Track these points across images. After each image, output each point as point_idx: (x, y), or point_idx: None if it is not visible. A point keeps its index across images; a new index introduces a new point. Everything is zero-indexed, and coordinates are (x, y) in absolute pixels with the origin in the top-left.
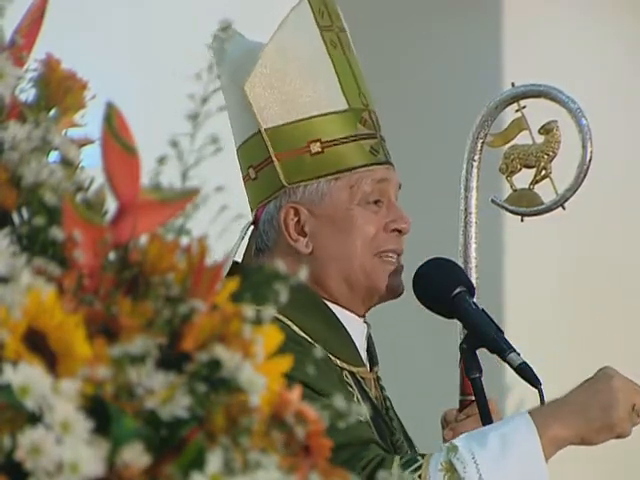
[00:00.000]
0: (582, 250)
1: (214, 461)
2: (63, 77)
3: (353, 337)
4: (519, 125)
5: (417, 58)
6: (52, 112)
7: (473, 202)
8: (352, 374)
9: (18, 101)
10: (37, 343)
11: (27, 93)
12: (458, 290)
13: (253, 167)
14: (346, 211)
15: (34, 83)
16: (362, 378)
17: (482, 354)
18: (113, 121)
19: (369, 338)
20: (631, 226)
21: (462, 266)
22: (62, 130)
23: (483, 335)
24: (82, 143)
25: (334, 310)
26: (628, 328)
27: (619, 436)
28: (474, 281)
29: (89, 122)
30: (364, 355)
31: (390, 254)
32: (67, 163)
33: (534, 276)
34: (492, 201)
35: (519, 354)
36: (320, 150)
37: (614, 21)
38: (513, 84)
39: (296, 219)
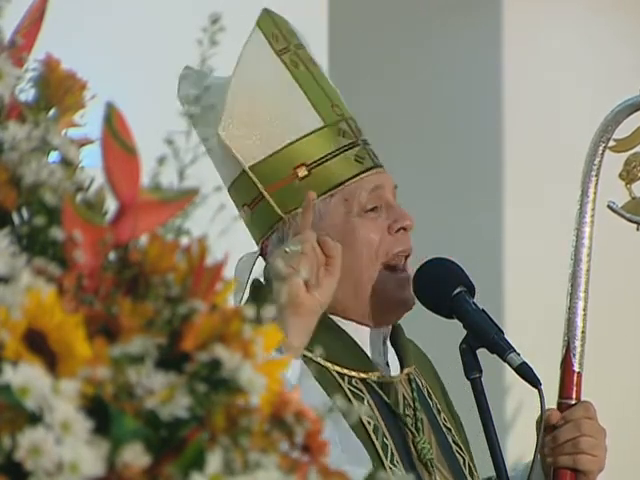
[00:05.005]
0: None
1: (214, 461)
2: (63, 77)
3: (360, 344)
4: None
5: (417, 58)
6: (52, 112)
7: (589, 206)
8: (363, 380)
9: (18, 101)
10: (37, 343)
11: (27, 93)
12: (458, 290)
13: (247, 205)
14: (345, 224)
15: (34, 83)
16: (377, 382)
17: (482, 354)
18: (113, 121)
19: (399, 340)
20: None
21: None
22: (62, 130)
23: (483, 335)
24: (82, 143)
25: (334, 319)
26: (633, 328)
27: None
28: (584, 281)
29: (89, 122)
30: (382, 359)
31: (400, 255)
32: (67, 163)
33: (535, 275)
34: (609, 207)
35: (519, 354)
36: (307, 173)
37: (616, 20)
38: None
39: None
